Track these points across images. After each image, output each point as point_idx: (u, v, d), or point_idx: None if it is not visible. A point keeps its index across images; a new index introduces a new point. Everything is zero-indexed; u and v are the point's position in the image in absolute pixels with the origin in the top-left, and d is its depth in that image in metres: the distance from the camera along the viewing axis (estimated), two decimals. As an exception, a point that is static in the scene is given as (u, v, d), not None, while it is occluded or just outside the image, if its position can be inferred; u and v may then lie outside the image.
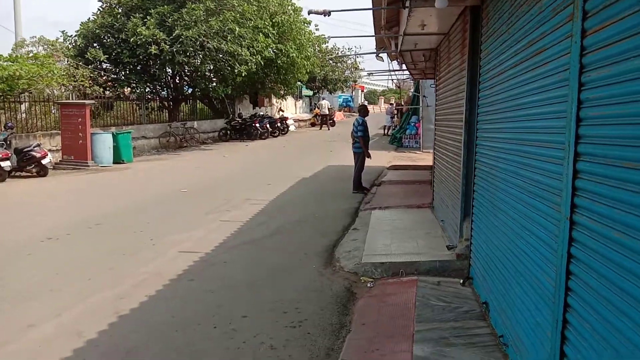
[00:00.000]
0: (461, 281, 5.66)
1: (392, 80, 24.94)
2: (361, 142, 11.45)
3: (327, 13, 8.27)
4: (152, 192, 11.99)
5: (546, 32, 3.14)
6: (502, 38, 4.41)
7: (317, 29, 35.55)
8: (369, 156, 11.69)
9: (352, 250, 7.09)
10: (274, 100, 34.74)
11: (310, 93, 46.12)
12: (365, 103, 22.21)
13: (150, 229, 8.31)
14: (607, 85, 2.24)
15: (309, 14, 11.19)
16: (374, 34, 10.23)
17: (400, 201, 10.72)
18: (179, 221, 8.91)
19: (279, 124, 28.64)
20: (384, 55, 13.27)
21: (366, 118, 11.84)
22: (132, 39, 19.41)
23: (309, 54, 28.00)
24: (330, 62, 42.50)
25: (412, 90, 24.81)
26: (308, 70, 28.98)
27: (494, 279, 4.53)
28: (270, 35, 22.99)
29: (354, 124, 11.86)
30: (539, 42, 3.30)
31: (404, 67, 14.16)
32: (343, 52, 42.97)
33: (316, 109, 37.76)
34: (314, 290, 5.67)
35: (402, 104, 28.39)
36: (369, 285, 5.90)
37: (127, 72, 21.83)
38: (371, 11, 8.11)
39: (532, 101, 3.48)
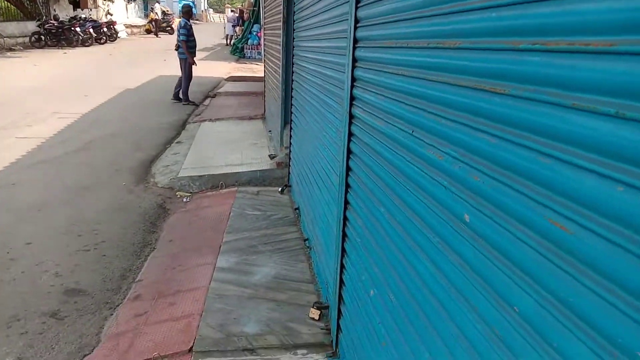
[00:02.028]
0: (280, 189, 5.56)
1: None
2: (184, 47, 10.48)
3: None
4: None
5: None
6: None
7: None
8: (193, 62, 10.79)
9: (171, 165, 6.55)
10: (100, 1, 30.46)
11: (146, -5, 41.38)
12: (192, 4, 20.18)
13: None
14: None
15: None
16: None
17: (233, 113, 10.25)
18: (-40, 140, 7.40)
19: (105, 29, 25.31)
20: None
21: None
22: None
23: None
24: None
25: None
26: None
27: (303, 183, 4.45)
28: None
29: (177, 28, 10.76)
30: None
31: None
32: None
33: (151, 13, 34.18)
34: (118, 209, 5.10)
35: (245, 10, 26.85)
36: (185, 200, 5.50)
37: None
38: None
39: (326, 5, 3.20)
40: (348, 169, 2.49)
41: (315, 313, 3.02)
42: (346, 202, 2.54)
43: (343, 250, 2.61)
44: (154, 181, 6.01)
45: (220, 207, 5.16)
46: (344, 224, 2.57)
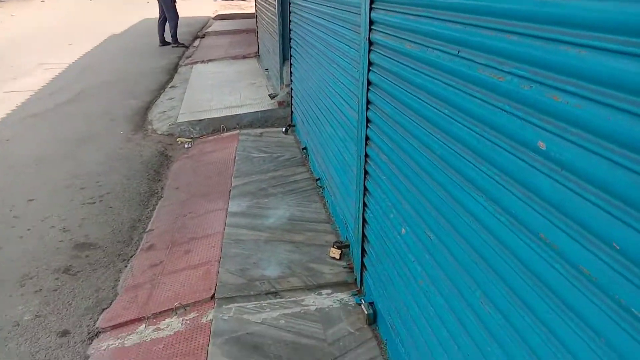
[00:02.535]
0: (283, 129, 5.39)
1: None
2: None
3: None
4: None
5: None
6: None
7: None
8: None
9: (168, 111, 6.33)
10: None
11: None
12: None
13: None
14: None
15: None
16: None
17: (225, 52, 9.86)
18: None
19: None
20: None
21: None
22: None
23: None
24: None
25: None
26: None
27: (309, 121, 4.27)
28: None
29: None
30: None
31: None
32: None
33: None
34: (119, 159, 4.94)
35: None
36: (186, 146, 5.33)
37: None
38: None
39: None
40: (368, 102, 2.32)
41: (335, 252, 2.95)
42: (367, 138, 2.39)
43: (365, 189, 2.49)
44: (152, 128, 5.81)
45: (224, 152, 5.01)
46: (365, 161, 2.44)
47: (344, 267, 2.86)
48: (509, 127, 1.11)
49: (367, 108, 2.33)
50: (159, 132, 5.66)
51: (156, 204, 4.08)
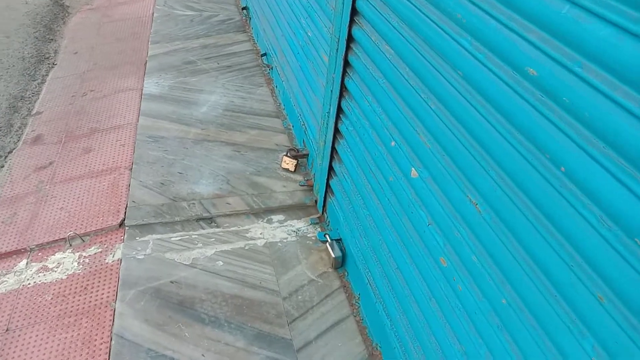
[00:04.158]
0: (217, -21, 4.24)
1: None
2: None
3: None
4: None
5: None
6: None
7: None
8: None
9: (63, -60, 4.83)
10: None
11: None
12: None
13: None
14: None
15: None
16: None
17: None
18: None
19: None
20: None
21: None
22: None
23: None
24: None
25: None
26: None
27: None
28: None
29: None
30: None
31: None
32: None
33: None
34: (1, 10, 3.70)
35: None
36: (88, -8, 4.10)
37: None
38: None
39: None
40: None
41: (289, 163, 2.25)
42: (353, 10, 1.57)
43: (342, 86, 1.73)
44: (41, -36, 4.41)
45: (139, 4, 3.88)
46: (347, 47, 1.64)
47: (301, 185, 2.19)
48: None
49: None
50: (50, -29, 4.31)
51: (47, 75, 3.07)
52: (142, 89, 2.80)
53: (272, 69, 2.92)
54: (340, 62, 1.71)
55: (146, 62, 3.06)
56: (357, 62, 1.61)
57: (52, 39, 3.43)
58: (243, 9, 3.63)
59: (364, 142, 1.60)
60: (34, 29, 3.48)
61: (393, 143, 1.39)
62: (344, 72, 1.72)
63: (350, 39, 1.64)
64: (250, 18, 3.45)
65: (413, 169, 1.29)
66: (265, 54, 3.05)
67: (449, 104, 1.10)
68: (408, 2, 1.24)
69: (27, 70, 3.07)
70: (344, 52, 1.67)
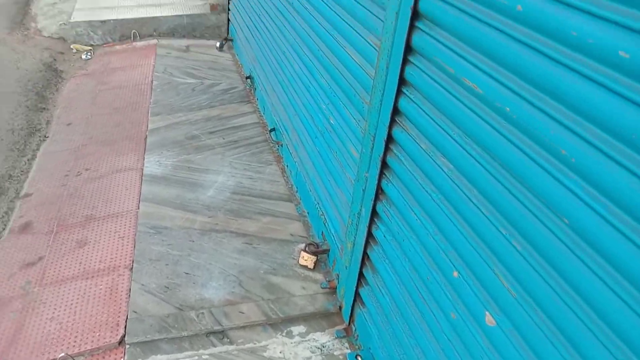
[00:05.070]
0: (218, 44, 4.13)
1: None
2: None
3: None
4: None
5: None
6: None
7: None
8: None
9: (60, 2, 4.72)
10: None
11: None
12: None
13: None
14: None
15: None
16: None
17: None
18: None
19: None
20: None
21: None
22: None
23: None
24: None
25: None
26: None
27: (258, 39, 3.11)
28: None
29: None
30: None
31: None
32: None
33: None
34: (-16, 73, 3.52)
35: None
36: (84, 57, 3.95)
37: None
38: None
39: None
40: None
41: (308, 259, 2.03)
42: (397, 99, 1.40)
43: (379, 187, 1.54)
44: (36, 27, 4.28)
45: (136, 71, 3.73)
46: (386, 151, 1.46)
47: (323, 287, 1.97)
48: None
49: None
50: (45, 34, 4.17)
51: (37, 149, 2.86)
52: (142, 169, 2.59)
53: (281, 145, 2.74)
54: (377, 163, 1.53)
55: (146, 137, 2.87)
56: (398, 167, 1.43)
57: (44, 108, 3.24)
58: (247, 77, 3.49)
59: (410, 259, 1.40)
60: (25, 97, 3.29)
61: (456, 274, 1.19)
62: (381, 174, 1.53)
63: (390, 139, 1.47)
64: (256, 88, 3.31)
65: (488, 314, 1.08)
66: (274, 129, 2.88)
67: (548, 253, 0.91)
68: (478, 119, 1.06)
69: (16, 144, 2.86)
70: (381, 154, 1.49)
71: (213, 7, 4.48)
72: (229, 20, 4.23)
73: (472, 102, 1.08)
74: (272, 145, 2.87)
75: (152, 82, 3.51)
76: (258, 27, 3.14)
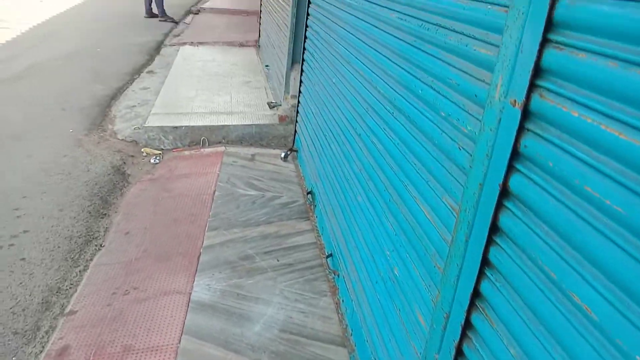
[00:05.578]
0: (283, 154, 4.13)
1: None
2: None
3: None
4: None
5: None
6: None
7: None
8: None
9: (138, 106, 5.01)
10: None
11: None
12: None
13: None
14: None
15: None
16: None
17: (220, 36, 8.51)
18: None
19: None
20: None
21: None
22: None
23: None
24: None
25: None
26: None
27: (322, 156, 3.03)
28: None
29: None
30: None
31: None
32: None
33: None
34: (57, 174, 3.64)
35: None
36: (152, 161, 4.05)
37: None
38: None
39: None
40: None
41: None
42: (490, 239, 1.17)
43: (458, 356, 1.27)
44: (112, 129, 4.49)
45: (201, 179, 3.75)
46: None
47: None
48: None
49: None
50: (119, 137, 4.35)
51: (91, 260, 2.81)
52: (190, 294, 2.45)
53: (338, 276, 2.54)
54: (451, 349, 1.28)
55: (200, 255, 2.76)
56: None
57: (105, 214, 3.25)
58: (308, 193, 3.39)
59: None
60: (90, 201, 3.34)
61: None
62: (458, 352, 1.27)
63: (467, 325, 1.23)
64: (316, 206, 3.19)
65: None
66: (331, 255, 2.70)
67: None
68: (579, 337, 0.82)
69: (71, 253, 2.83)
70: (457, 340, 1.25)
71: (282, 118, 4.56)
72: (295, 132, 4.26)
73: (569, 311, 0.84)
74: (328, 272, 2.67)
75: (214, 192, 3.48)
76: (323, 145, 3.08)
